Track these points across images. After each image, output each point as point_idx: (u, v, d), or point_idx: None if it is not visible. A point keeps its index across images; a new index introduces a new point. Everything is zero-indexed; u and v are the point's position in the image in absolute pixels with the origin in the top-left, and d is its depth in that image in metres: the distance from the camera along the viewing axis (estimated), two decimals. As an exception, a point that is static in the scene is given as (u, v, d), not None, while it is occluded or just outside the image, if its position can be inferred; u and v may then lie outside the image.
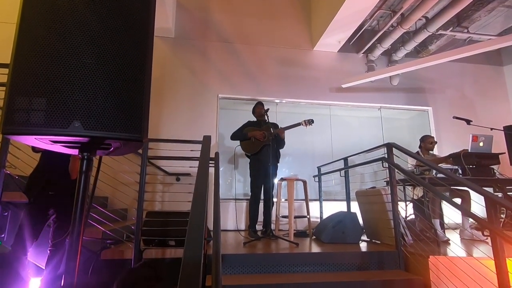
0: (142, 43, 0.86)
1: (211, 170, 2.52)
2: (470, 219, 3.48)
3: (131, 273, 1.63)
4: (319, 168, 4.68)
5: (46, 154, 2.33)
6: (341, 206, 4.18)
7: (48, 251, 2.25)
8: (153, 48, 0.90)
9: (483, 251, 2.33)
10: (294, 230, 3.38)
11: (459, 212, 3.38)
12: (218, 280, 1.18)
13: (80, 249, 0.84)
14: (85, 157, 0.86)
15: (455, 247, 2.83)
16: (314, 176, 4.72)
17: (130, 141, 0.81)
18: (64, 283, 0.82)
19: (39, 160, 2.37)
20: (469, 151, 3.26)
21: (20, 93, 0.72)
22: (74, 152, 0.89)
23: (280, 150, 3.75)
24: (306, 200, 3.71)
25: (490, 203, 1.90)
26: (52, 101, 0.73)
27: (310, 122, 3.50)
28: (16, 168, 2.59)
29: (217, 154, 2.74)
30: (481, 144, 3.28)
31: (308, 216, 3.70)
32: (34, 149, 2.24)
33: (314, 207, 4.35)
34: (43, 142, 0.80)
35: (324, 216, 4.29)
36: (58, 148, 0.87)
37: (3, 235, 2.36)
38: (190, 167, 3.10)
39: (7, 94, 0.72)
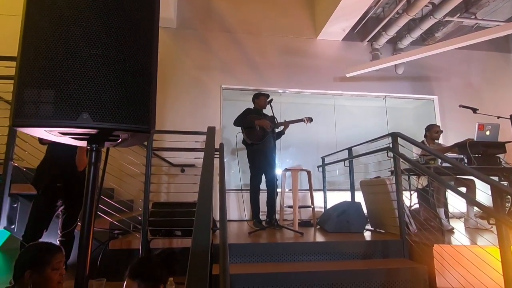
0: (148, 34, 0.85)
1: (216, 161, 2.53)
2: (475, 208, 3.47)
3: (144, 260, 1.66)
4: (323, 158, 4.68)
5: (53, 146, 2.35)
6: (345, 196, 4.19)
7: (58, 242, 2.29)
8: (158, 39, 0.90)
9: (488, 239, 2.33)
10: (298, 219, 3.41)
11: (464, 201, 3.38)
12: (225, 268, 1.20)
13: (91, 240, 0.85)
14: (94, 148, 0.87)
15: (460, 236, 2.84)
16: (318, 166, 4.72)
17: (138, 132, 0.82)
18: (76, 273, 0.84)
19: (46, 152, 2.40)
20: (475, 140, 3.23)
21: (29, 85, 0.72)
22: (83, 144, 0.90)
23: (278, 142, 3.81)
24: (311, 190, 3.72)
25: (496, 192, 1.89)
26: (60, 93, 0.73)
27: (310, 119, 3.74)
28: (24, 161, 2.62)
29: (221, 145, 2.75)
30: (487, 132, 3.24)
31: (312, 206, 3.72)
32: (41, 141, 2.25)
33: (318, 197, 4.37)
34: (52, 134, 0.80)
35: (328, 206, 4.31)
36: (67, 140, 0.88)
37: (13, 226, 2.40)
38: (195, 158, 3.12)
39: (15, 86, 0.72)
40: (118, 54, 0.80)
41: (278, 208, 3.72)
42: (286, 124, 3.68)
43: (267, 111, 3.65)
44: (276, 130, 3.73)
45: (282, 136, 3.87)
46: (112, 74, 0.78)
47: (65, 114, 0.73)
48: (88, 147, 0.89)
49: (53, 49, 0.75)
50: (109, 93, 0.77)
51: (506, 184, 3.17)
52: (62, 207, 2.34)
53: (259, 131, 3.56)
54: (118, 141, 0.89)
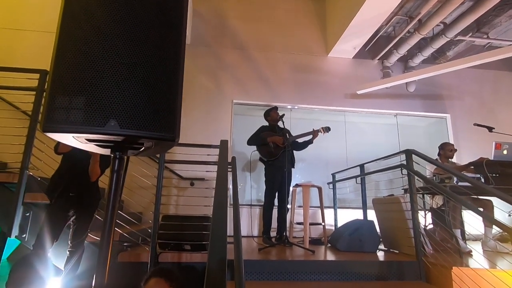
0: (176, 43, 0.87)
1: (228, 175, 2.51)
2: (494, 230, 3.35)
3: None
4: (333, 175, 4.62)
5: (68, 157, 2.38)
6: (356, 214, 4.09)
7: (68, 252, 2.27)
8: (185, 49, 0.91)
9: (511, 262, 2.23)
10: (308, 237, 3.33)
11: (481, 222, 3.27)
12: (241, 286, 1.16)
13: (111, 249, 0.84)
14: (117, 156, 0.87)
15: (480, 258, 2.72)
16: (329, 183, 4.65)
17: (163, 140, 0.82)
18: (95, 282, 0.82)
19: (60, 162, 2.43)
20: (492, 159, 3.15)
21: (61, 92, 0.73)
22: (106, 151, 0.90)
23: (296, 155, 3.76)
24: (321, 207, 3.65)
25: (520, 212, 1.82)
26: (90, 100, 0.74)
27: (327, 129, 3.61)
28: (39, 170, 2.65)
29: (233, 158, 2.74)
30: (504, 152, 3.17)
31: (323, 224, 3.64)
32: (57, 151, 2.29)
33: (328, 214, 4.28)
34: (79, 141, 0.81)
35: (339, 224, 4.22)
36: (91, 147, 0.88)
37: (24, 235, 2.40)
38: (207, 171, 3.11)
39: (48, 93, 0.73)
40: (147, 63, 0.81)
41: (287, 224, 3.65)
42: (315, 133, 3.60)
43: (281, 125, 3.65)
44: (300, 140, 3.70)
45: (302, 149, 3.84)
46: (140, 82, 0.79)
47: (94, 120, 0.74)
48: (108, 155, 0.89)
49: (85, 58, 0.77)
50: (137, 101, 0.78)
51: (526, 206, 3.06)
52: (73, 217, 2.34)
53: (273, 147, 3.55)
54: (141, 149, 0.89)
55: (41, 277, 1.53)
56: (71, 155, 2.34)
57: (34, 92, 2.63)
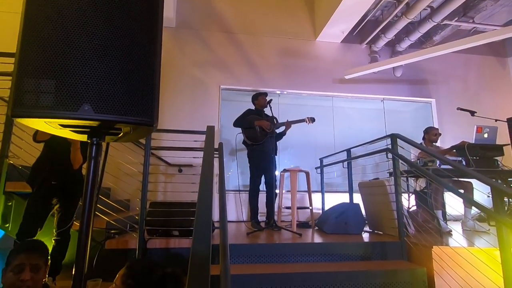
0: (152, 26, 0.84)
1: (215, 161, 2.50)
2: (473, 210, 3.49)
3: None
4: (321, 160, 4.67)
5: (49, 144, 2.32)
6: (343, 198, 4.18)
7: (53, 241, 2.25)
8: (162, 33, 0.88)
9: (488, 241, 2.33)
10: (296, 221, 3.39)
11: (461, 203, 3.39)
12: (226, 269, 1.17)
13: (90, 237, 0.83)
14: (94, 142, 0.84)
15: (458, 237, 2.84)
16: (316, 168, 4.71)
17: (141, 125, 0.79)
18: (74, 272, 0.81)
19: (41, 150, 2.36)
20: (474, 142, 3.24)
21: (29, 75, 0.70)
22: (82, 137, 0.87)
23: (278, 143, 3.77)
24: (309, 191, 3.71)
25: (497, 193, 1.89)
26: (61, 83, 0.71)
27: (312, 120, 3.64)
28: (19, 158, 2.57)
29: (221, 144, 2.72)
30: (485, 135, 3.26)
31: (310, 207, 3.71)
32: (35, 139, 2.22)
33: (315, 198, 4.35)
34: (52, 127, 0.78)
35: (326, 208, 4.30)
36: (66, 133, 0.85)
37: (7, 225, 2.36)
38: (194, 157, 3.09)
39: (15, 76, 0.70)
40: (121, 45, 0.78)
41: (276, 209, 3.70)
42: (288, 124, 3.61)
43: (267, 111, 3.64)
44: (277, 131, 3.70)
45: (283, 137, 3.83)
46: (115, 65, 0.76)
47: (65, 105, 0.71)
48: (86, 142, 0.86)
49: (54, 38, 0.73)
50: (112, 84, 0.75)
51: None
52: (57, 206, 2.30)
53: (259, 131, 3.54)
54: (120, 135, 0.86)
55: None
56: (52, 143, 2.28)
57: (11, 78, 2.52)
